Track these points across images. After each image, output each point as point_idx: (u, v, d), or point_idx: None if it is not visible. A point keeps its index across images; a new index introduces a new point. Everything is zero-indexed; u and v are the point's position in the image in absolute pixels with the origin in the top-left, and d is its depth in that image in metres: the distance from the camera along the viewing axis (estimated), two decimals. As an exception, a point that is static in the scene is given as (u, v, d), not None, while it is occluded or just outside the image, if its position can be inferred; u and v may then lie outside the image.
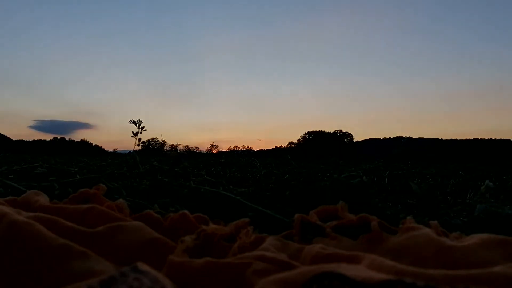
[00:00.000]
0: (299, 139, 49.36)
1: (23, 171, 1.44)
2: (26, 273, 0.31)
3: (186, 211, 0.51)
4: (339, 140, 47.50)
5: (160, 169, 1.54)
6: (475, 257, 0.35)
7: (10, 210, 0.40)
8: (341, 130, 48.55)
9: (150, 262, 0.29)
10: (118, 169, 1.69)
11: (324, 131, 48.49)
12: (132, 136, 1.71)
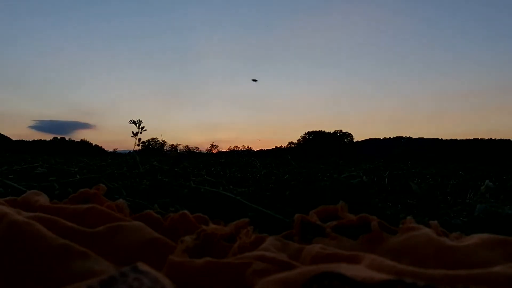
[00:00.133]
0: (299, 139, 49.40)
1: (23, 171, 1.44)
2: (26, 273, 0.31)
3: (186, 211, 0.51)
4: (339, 140, 47.53)
5: (160, 169, 1.54)
6: (475, 257, 0.35)
7: (10, 210, 0.40)
8: (341, 130, 48.61)
9: (150, 262, 0.29)
10: (118, 169, 1.69)
11: (324, 131, 48.54)
12: (132, 136, 1.71)
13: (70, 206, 0.48)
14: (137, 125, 1.70)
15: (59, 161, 3.22)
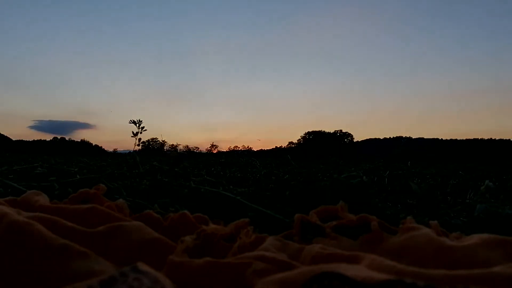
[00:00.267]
0: (299, 139, 49.40)
1: (23, 171, 1.44)
2: (26, 273, 0.31)
3: (186, 211, 0.51)
4: (339, 140, 47.52)
5: (160, 169, 1.54)
6: (475, 257, 0.35)
7: (10, 210, 0.40)
8: (341, 130, 48.62)
9: (150, 262, 0.29)
10: (118, 169, 1.69)
11: (324, 131, 48.54)
12: (132, 136, 1.71)
13: (70, 206, 0.48)
14: (137, 125, 1.70)
15: (59, 161, 3.22)
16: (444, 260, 0.35)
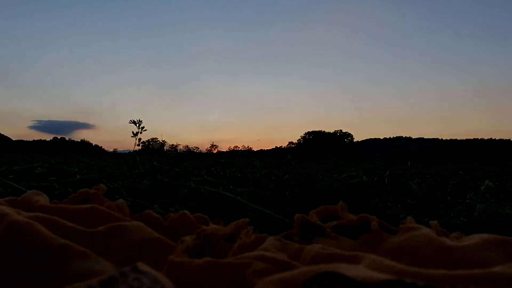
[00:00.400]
0: (299, 139, 49.40)
1: (23, 171, 1.44)
2: (26, 273, 0.31)
3: (186, 211, 0.51)
4: (339, 140, 47.52)
5: (160, 169, 1.54)
6: (475, 257, 0.35)
7: (10, 210, 0.40)
8: (341, 130, 48.62)
9: (150, 262, 0.29)
10: (118, 169, 1.69)
11: (324, 131, 48.55)
12: (132, 136, 1.71)
13: (70, 206, 0.48)
14: (137, 125, 1.70)
15: (59, 161, 3.22)
16: (444, 260, 0.35)
